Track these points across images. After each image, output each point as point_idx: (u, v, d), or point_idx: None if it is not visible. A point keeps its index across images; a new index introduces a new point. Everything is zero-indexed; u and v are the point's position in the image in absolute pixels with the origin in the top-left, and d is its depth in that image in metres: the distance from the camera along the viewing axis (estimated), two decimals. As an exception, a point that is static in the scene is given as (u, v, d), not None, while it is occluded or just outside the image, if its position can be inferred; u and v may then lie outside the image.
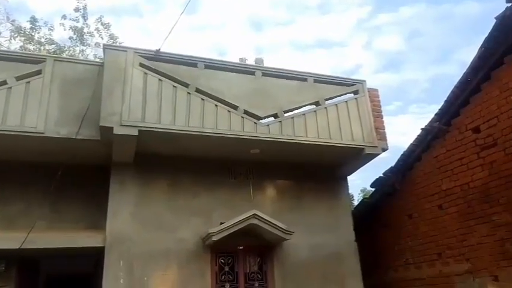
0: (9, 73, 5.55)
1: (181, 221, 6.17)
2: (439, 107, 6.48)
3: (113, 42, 15.77)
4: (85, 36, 15.79)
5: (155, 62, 5.93)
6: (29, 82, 5.58)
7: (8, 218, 5.96)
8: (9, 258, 5.74)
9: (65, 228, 6.06)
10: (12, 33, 15.34)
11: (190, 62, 6.14)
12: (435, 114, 6.54)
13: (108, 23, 16.19)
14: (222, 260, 6.22)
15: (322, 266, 6.58)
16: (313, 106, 6.61)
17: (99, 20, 16.12)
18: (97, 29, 15.99)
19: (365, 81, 7.11)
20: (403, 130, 37.64)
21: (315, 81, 6.78)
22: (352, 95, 6.95)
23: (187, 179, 6.41)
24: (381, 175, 7.51)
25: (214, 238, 5.77)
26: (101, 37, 15.97)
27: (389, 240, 7.56)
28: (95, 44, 16.05)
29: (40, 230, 5.68)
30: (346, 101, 6.79)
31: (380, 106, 7.12)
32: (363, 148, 6.61)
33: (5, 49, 13.96)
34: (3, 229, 5.79)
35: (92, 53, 16.11)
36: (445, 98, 6.35)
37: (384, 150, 6.80)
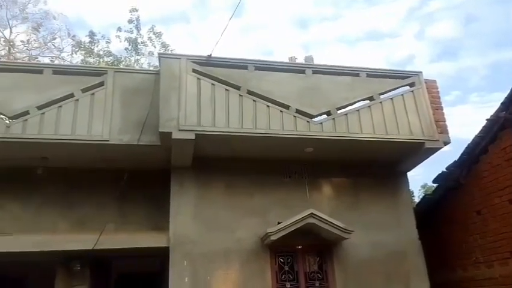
0: (75, 86, 5.99)
1: (238, 222, 6.28)
2: (502, 94, 6.09)
3: (165, 50, 16.43)
4: (139, 46, 16.55)
5: (207, 67, 6.10)
6: (93, 94, 5.98)
7: (79, 221, 6.44)
8: (83, 258, 6.16)
9: (131, 229, 6.40)
10: (74, 48, 16.50)
11: (240, 65, 6.25)
12: (501, 104, 6.12)
13: (160, 32, 16.88)
14: (281, 260, 6.25)
15: (384, 265, 6.40)
16: (368, 101, 6.46)
17: (151, 30, 16.84)
18: (150, 38, 16.72)
19: (421, 72, 6.82)
20: (463, 121, 35.44)
21: (368, 75, 6.61)
22: (408, 87, 6.70)
23: (243, 180, 6.51)
24: (444, 169, 7.14)
25: (273, 238, 5.81)
26: (154, 46, 16.71)
27: (455, 238, 7.18)
28: (148, 53, 16.81)
29: (109, 232, 6.03)
30: (402, 95, 6.57)
31: (439, 97, 6.80)
32: (423, 142, 6.34)
33: (69, 63, 15.05)
34: (74, 232, 6.27)
35: (146, 62, 16.88)
36: (511, 86, 5.92)
37: (446, 143, 6.48)
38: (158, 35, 16.85)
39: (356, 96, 6.40)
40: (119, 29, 16.46)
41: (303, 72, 6.42)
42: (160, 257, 7.06)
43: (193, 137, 5.66)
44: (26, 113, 5.67)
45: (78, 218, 6.45)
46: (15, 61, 12.70)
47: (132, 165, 6.39)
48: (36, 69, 6.09)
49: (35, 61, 15.29)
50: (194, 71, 5.98)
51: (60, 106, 5.80)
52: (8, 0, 15.40)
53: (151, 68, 15.93)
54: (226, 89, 5.99)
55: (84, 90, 5.95)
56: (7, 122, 5.66)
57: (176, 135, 5.61)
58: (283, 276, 6.19)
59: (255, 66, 6.24)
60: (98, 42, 16.23)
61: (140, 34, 16.61)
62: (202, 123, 5.74)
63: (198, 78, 5.95)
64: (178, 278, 5.82)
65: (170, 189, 6.30)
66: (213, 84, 5.98)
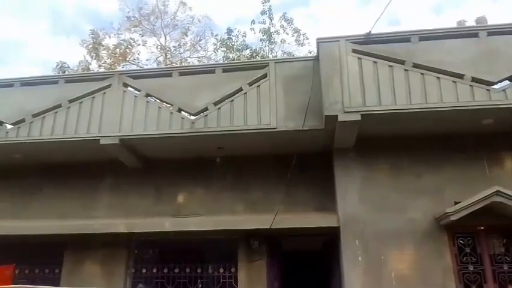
0: (242, 81, 6.53)
1: (408, 202, 6.08)
2: None
3: (298, 36, 16.67)
4: (272, 36, 17.06)
5: (366, 46, 5.98)
6: (259, 86, 6.43)
7: (251, 204, 7.04)
8: (258, 236, 6.75)
9: (298, 210, 6.76)
10: (215, 46, 17.92)
11: (402, 38, 5.99)
12: None
13: (291, 18, 17.06)
14: (461, 241, 5.85)
15: None
16: (562, 59, 5.49)
17: (282, 17, 17.16)
18: (282, 26, 17.06)
19: None
20: None
21: (561, 28, 5.61)
22: None
23: (410, 158, 6.26)
24: None
25: (453, 218, 5.47)
26: (286, 33, 16.99)
27: None
28: (281, 41, 17.19)
29: (280, 212, 6.48)
30: None
31: None
32: None
33: (216, 61, 16.43)
34: (248, 213, 6.90)
35: (280, 50, 17.30)
36: None
37: None
38: (290, 21, 17.08)
39: (546, 55, 5.51)
40: (253, 22, 17.16)
41: (475, 35, 5.78)
42: (323, 237, 7.31)
43: (358, 118, 5.65)
44: (206, 109, 6.44)
45: (251, 200, 7.06)
46: (192, 65, 14.39)
47: (296, 150, 6.67)
48: (209, 70, 6.86)
49: (185, 63, 17.15)
50: (354, 51, 5.92)
51: (232, 100, 6.41)
52: (162, 11, 17.56)
53: (285, 56, 16.34)
54: (389, 65, 5.79)
55: (250, 84, 6.45)
56: (191, 118, 6.52)
57: (342, 117, 5.67)
58: (465, 258, 5.79)
59: (419, 36, 5.87)
60: (238, 37, 17.28)
61: (272, 24, 17.08)
62: (367, 103, 5.68)
63: (359, 58, 5.88)
64: (352, 257, 5.94)
65: (334, 171, 6.44)
66: (374, 62, 5.84)
